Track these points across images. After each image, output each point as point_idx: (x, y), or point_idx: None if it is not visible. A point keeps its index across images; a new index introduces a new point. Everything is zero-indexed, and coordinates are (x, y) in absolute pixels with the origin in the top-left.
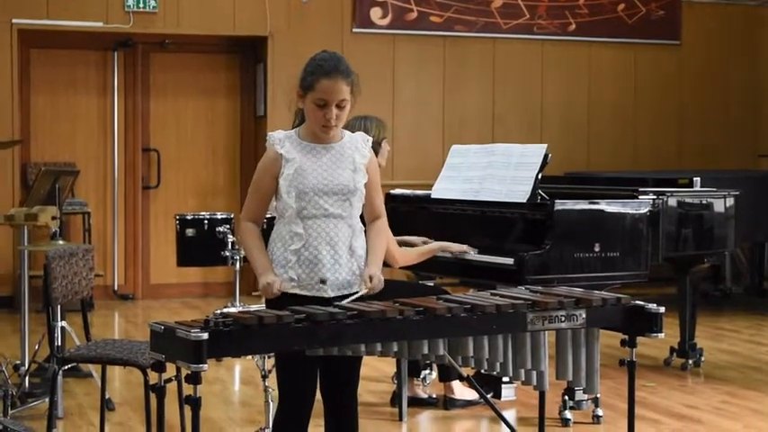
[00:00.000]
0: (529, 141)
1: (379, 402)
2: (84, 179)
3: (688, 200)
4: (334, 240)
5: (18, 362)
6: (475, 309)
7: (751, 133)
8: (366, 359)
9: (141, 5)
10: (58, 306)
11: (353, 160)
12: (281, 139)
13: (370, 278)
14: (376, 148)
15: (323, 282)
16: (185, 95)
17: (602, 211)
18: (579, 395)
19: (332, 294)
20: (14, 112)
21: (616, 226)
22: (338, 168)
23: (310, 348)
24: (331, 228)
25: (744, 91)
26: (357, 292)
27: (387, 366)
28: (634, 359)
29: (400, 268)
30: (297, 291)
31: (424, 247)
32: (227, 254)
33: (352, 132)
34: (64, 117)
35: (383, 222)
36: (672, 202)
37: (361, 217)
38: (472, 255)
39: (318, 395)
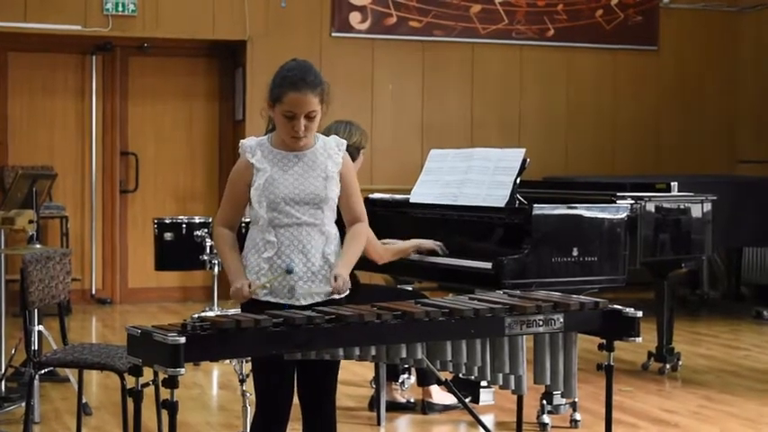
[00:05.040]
0: (507, 146)
1: (357, 407)
2: (61, 183)
3: (665, 205)
4: (306, 248)
5: None
6: (453, 313)
7: (729, 138)
8: (344, 363)
9: (120, 9)
10: (35, 310)
11: (325, 168)
12: (252, 147)
13: (336, 278)
14: (354, 153)
15: (289, 272)
16: (164, 99)
17: (580, 215)
18: (557, 399)
19: (304, 303)
20: None
21: (594, 230)
22: (309, 177)
23: (288, 352)
24: (303, 236)
25: (722, 96)
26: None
27: (365, 371)
28: (612, 363)
29: (379, 271)
30: (269, 298)
31: (400, 245)
32: (206, 258)
33: (337, 135)
34: (41, 120)
35: (361, 226)
36: (649, 206)
37: (342, 220)
38: (442, 255)
39: (296, 400)
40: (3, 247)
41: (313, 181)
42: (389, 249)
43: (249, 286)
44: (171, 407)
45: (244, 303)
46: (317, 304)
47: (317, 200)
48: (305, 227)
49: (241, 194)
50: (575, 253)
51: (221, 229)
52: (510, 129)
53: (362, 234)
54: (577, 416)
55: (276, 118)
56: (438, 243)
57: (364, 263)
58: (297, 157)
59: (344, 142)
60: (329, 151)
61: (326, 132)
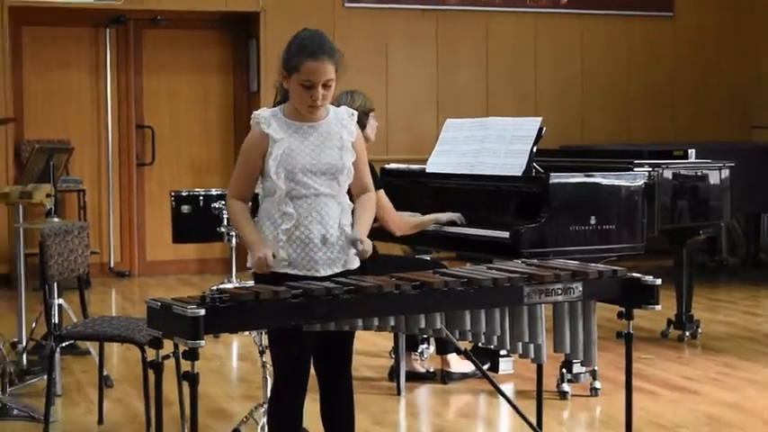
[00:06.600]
0: (523, 115)
1: (376, 377)
2: (78, 156)
3: (683, 172)
4: (324, 219)
5: (16, 340)
6: (471, 282)
7: (744, 105)
8: (363, 334)
9: None
10: (55, 284)
11: (341, 137)
12: (266, 118)
13: (360, 242)
14: (363, 119)
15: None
16: (178, 72)
17: (597, 183)
18: (577, 368)
19: (323, 273)
20: (7, 89)
21: (611, 199)
22: (326, 148)
23: (307, 324)
24: (321, 206)
25: (737, 63)
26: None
27: (384, 341)
28: (631, 331)
29: (398, 241)
30: (288, 270)
31: (419, 219)
32: (223, 230)
33: (338, 105)
34: (57, 94)
35: (370, 196)
36: (667, 174)
37: (349, 191)
38: (459, 223)
39: (312, 371)
40: (21, 221)
41: (329, 152)
42: (409, 222)
43: (273, 257)
44: (192, 379)
45: (262, 276)
46: (336, 275)
47: (333, 170)
48: (322, 197)
49: (254, 166)
50: (592, 221)
51: (234, 202)
52: (525, 98)
53: (372, 203)
54: (597, 384)
55: (292, 88)
56: (456, 214)
57: (382, 233)
58: (312, 127)
59: (355, 112)
60: (342, 121)
61: (333, 103)
